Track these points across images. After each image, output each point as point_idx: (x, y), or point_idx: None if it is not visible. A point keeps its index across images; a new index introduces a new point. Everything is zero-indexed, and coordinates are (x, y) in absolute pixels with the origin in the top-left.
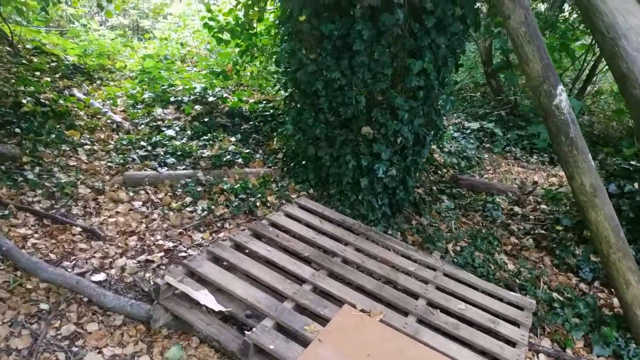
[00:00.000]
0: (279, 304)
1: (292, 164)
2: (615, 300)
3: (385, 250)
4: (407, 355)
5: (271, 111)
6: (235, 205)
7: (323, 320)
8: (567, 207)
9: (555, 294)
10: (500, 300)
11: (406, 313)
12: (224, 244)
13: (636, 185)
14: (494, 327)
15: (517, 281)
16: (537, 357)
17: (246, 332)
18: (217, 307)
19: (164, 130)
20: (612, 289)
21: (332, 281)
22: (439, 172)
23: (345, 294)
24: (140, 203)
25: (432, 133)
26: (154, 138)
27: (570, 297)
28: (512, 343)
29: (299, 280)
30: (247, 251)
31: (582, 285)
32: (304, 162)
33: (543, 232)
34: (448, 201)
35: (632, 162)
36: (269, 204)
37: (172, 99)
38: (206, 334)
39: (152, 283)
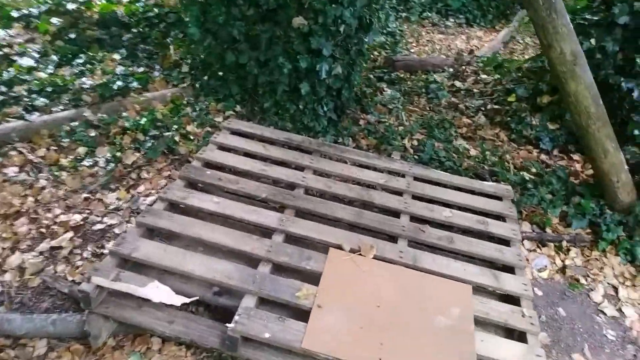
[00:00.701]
0: (254, 270)
1: (205, 78)
2: (579, 166)
3: (346, 165)
4: (419, 292)
5: (156, 10)
6: (148, 146)
7: (312, 276)
8: (516, 75)
9: (524, 174)
10: (480, 194)
11: (395, 238)
12: (155, 209)
13: (593, 41)
14: (484, 228)
15: (486, 167)
16: (522, 244)
17: (227, 325)
18: (179, 301)
19: (16, 60)
20: (587, 159)
21: (304, 222)
22: (371, 56)
23: (325, 233)
24: (16, 169)
25: (377, 14)
26: (6, 74)
27: (539, 172)
28: (506, 242)
29: (267, 231)
30: (188, 210)
31: (543, 157)
32: (221, 74)
33: (495, 106)
34: (390, 90)
35: (586, 16)
36: (191, 136)
37: (14, 14)
38: (171, 334)
39: (70, 283)
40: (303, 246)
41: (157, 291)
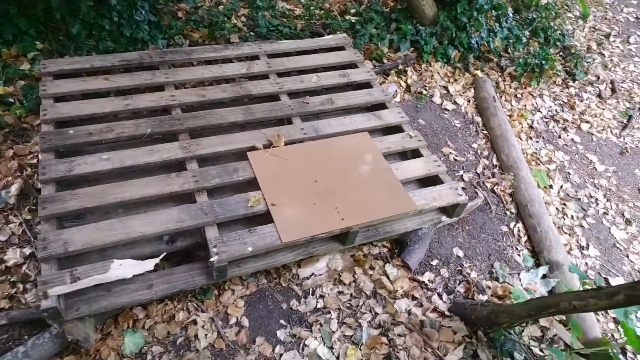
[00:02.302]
0: (196, 204)
1: None
2: None
3: (202, 66)
4: (336, 155)
5: None
6: None
7: (248, 184)
8: None
9: (350, 18)
10: (326, 50)
11: (290, 119)
12: (48, 195)
13: None
14: (348, 79)
15: (317, 23)
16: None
17: (211, 259)
18: (151, 264)
19: None
20: None
21: (206, 140)
22: None
23: (231, 142)
24: None
25: None
26: None
27: (359, 12)
28: (368, 84)
29: (177, 163)
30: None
31: None
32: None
33: None
34: None
35: None
36: (9, 99)
37: None
38: (157, 296)
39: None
40: (219, 163)
41: (124, 268)
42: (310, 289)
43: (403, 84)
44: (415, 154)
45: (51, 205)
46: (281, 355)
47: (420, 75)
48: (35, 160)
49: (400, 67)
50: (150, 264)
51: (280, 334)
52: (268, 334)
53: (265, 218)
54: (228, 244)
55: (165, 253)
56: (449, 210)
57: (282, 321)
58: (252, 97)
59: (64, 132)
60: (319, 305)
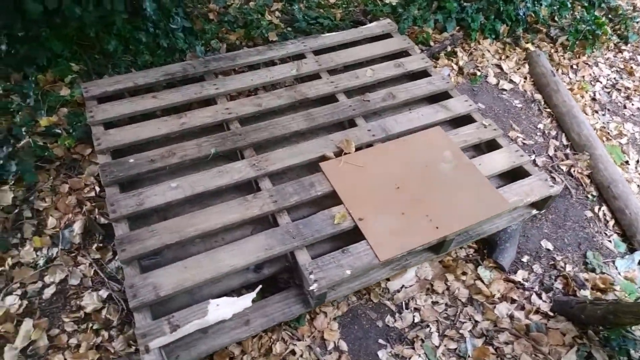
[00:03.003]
0: (281, 227)
1: (3, 48)
2: None
3: (250, 73)
4: (412, 155)
5: None
6: (13, 172)
7: (328, 199)
8: None
9: (389, 1)
10: (373, 39)
11: (350, 120)
12: (124, 235)
13: None
14: (404, 70)
15: (356, 10)
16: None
17: (311, 288)
18: (249, 300)
19: None
20: None
21: (273, 154)
22: None
23: (299, 153)
24: None
25: None
26: None
27: None
28: (425, 72)
29: (250, 183)
30: (152, 213)
31: None
32: (24, 34)
33: None
34: None
35: None
36: (56, 129)
37: None
38: (256, 332)
39: None
40: (290, 178)
41: (222, 307)
42: (403, 303)
43: (455, 67)
44: (492, 144)
45: (130, 246)
46: None
47: (470, 55)
48: (92, 194)
49: (449, 48)
50: (247, 300)
51: (382, 354)
52: (369, 356)
53: (353, 234)
54: (324, 269)
55: (260, 286)
56: (539, 203)
57: (380, 340)
58: (309, 100)
59: (124, 162)
60: (415, 320)
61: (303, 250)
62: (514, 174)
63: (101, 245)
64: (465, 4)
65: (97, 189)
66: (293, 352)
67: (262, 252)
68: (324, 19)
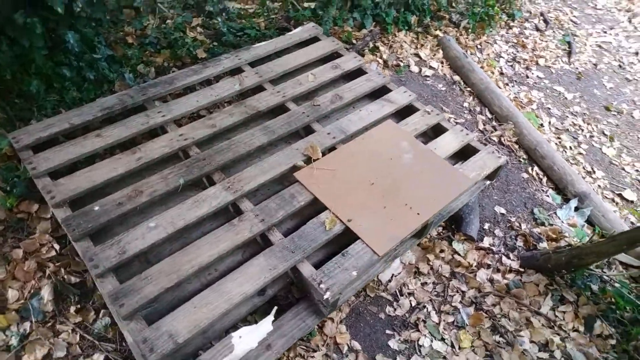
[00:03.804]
0: (275, 245)
1: None
2: None
3: (192, 94)
4: (375, 151)
5: None
6: None
7: (310, 207)
8: None
9: (307, 4)
10: (303, 44)
11: (307, 127)
12: (114, 289)
13: None
14: (341, 71)
15: (278, 16)
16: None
17: (324, 296)
18: (269, 324)
19: None
20: None
21: (243, 173)
22: None
23: (269, 168)
24: None
25: None
26: None
27: None
28: (361, 71)
29: (228, 208)
30: (138, 258)
31: None
32: None
33: None
34: None
35: None
36: None
37: None
38: (282, 352)
39: None
40: (266, 194)
41: (245, 338)
42: (397, 291)
43: (380, 61)
44: (438, 129)
45: (127, 299)
46: None
47: (390, 48)
48: (52, 253)
49: (370, 44)
50: (268, 324)
51: (392, 343)
52: (382, 348)
53: (344, 237)
54: (332, 276)
55: (276, 307)
56: (491, 174)
57: (387, 331)
58: (261, 113)
59: (88, 211)
60: (412, 303)
61: (304, 262)
62: (463, 152)
63: (79, 306)
64: (377, 0)
65: (57, 246)
66: None
67: (268, 273)
68: (249, 29)
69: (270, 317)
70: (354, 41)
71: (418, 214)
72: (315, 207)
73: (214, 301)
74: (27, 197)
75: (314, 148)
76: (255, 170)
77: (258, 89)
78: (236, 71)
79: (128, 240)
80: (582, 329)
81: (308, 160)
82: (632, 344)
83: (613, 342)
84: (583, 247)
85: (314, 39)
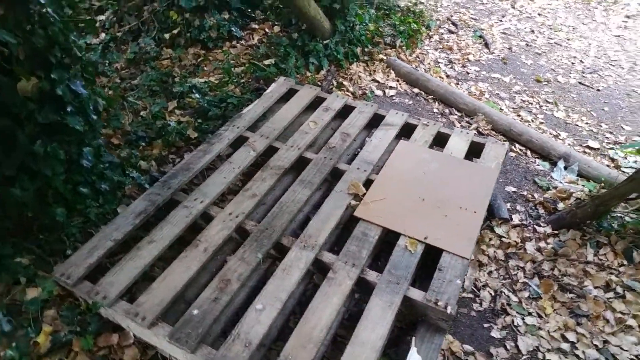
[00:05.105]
0: (377, 285)
1: None
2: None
3: (214, 172)
4: (407, 168)
5: None
6: None
7: (383, 241)
8: None
9: (269, 62)
10: (285, 98)
11: (335, 169)
12: None
13: None
14: (333, 111)
15: (249, 80)
16: None
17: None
18: (417, 357)
19: None
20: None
21: (308, 229)
22: None
23: (329, 217)
24: None
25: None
26: None
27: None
28: (349, 107)
29: (314, 267)
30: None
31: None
32: None
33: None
34: None
35: None
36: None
37: None
38: None
39: None
40: (334, 241)
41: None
42: (472, 288)
43: (349, 94)
44: (441, 136)
45: None
46: (517, 343)
47: (351, 80)
48: None
49: (334, 82)
50: (416, 355)
51: (495, 333)
52: (490, 341)
53: (429, 254)
54: (441, 292)
55: (414, 337)
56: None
57: (485, 325)
58: (288, 170)
59: (188, 318)
60: (491, 293)
61: (411, 289)
62: (471, 149)
63: None
64: (324, 42)
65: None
66: None
67: (389, 310)
68: (230, 98)
69: (414, 348)
70: (319, 83)
71: (475, 212)
72: (391, 237)
73: (361, 354)
74: (102, 331)
75: (356, 185)
76: (318, 222)
77: (270, 149)
78: (241, 140)
79: (246, 330)
80: (625, 262)
81: (356, 197)
82: None
83: None
84: (604, 195)
85: (292, 91)
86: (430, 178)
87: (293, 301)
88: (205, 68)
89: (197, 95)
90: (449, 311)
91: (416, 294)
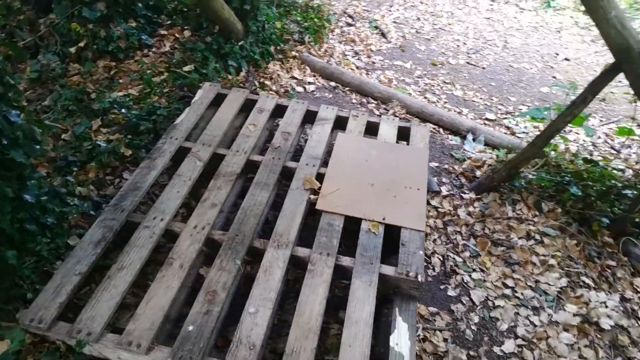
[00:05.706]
0: (354, 270)
1: None
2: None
3: (169, 186)
4: (349, 160)
5: None
6: None
7: (348, 227)
8: None
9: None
10: (216, 103)
11: (285, 168)
12: None
13: None
14: (268, 112)
15: (173, 89)
16: None
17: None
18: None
19: None
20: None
21: (277, 229)
22: None
23: (293, 212)
24: None
25: None
26: None
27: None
28: (281, 107)
29: (292, 263)
30: None
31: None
32: None
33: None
34: None
35: None
36: None
37: None
38: None
39: None
40: (302, 235)
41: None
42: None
43: (273, 93)
44: (371, 125)
45: None
46: (470, 297)
47: (271, 79)
48: None
49: (257, 82)
50: (406, 326)
51: (451, 292)
52: (448, 300)
53: (389, 229)
54: (409, 263)
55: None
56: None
57: (441, 286)
58: (240, 175)
59: (185, 335)
60: (440, 258)
61: (383, 266)
62: (399, 133)
63: None
64: (238, 43)
65: None
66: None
67: (371, 289)
68: (157, 109)
69: (399, 317)
70: (242, 85)
71: (418, 189)
72: (354, 224)
73: (358, 332)
74: None
75: (310, 181)
76: (285, 221)
77: (216, 157)
78: (182, 151)
79: (246, 335)
80: (537, 213)
81: (313, 192)
82: (569, 203)
83: (559, 210)
84: (514, 159)
85: (221, 95)
86: (373, 164)
87: (279, 298)
88: (120, 80)
89: (122, 110)
90: (420, 279)
91: (389, 270)
